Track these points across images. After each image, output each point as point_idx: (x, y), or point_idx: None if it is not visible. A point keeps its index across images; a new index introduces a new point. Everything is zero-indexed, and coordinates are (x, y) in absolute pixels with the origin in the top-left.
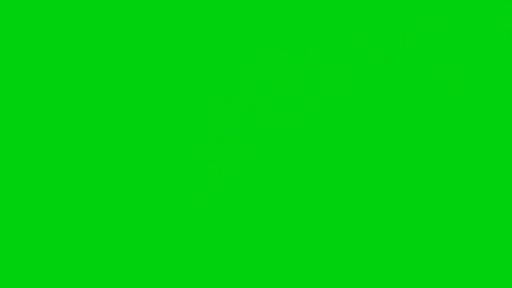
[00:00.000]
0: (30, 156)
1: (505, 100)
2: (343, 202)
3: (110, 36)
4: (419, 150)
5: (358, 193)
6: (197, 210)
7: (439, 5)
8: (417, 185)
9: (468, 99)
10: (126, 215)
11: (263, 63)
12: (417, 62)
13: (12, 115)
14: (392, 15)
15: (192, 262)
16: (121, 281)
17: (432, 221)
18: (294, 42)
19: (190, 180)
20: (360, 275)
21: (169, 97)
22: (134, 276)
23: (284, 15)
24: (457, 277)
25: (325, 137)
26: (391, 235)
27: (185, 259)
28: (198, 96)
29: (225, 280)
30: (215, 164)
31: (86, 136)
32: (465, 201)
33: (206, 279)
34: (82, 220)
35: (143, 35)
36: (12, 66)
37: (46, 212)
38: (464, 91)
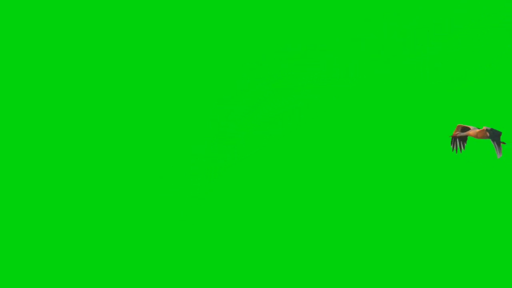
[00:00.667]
0: (30, 156)
1: (504, 99)
2: (342, 202)
3: (110, 37)
4: (418, 149)
5: (357, 193)
6: (197, 210)
7: (439, 5)
8: (416, 184)
9: (467, 99)
10: (126, 214)
11: (263, 63)
12: (417, 62)
13: (12, 115)
14: (392, 15)
15: (192, 262)
16: (121, 281)
17: (433, 220)
18: (294, 42)
19: (190, 180)
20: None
21: (169, 98)
22: (134, 275)
23: (284, 15)
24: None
25: (324, 137)
26: (388, 233)
27: (185, 259)
28: (198, 96)
29: (225, 280)
30: (215, 164)
31: (85, 136)
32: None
33: (206, 279)
34: (82, 220)
35: (143, 35)
36: (12, 66)
37: (46, 211)
38: (463, 91)
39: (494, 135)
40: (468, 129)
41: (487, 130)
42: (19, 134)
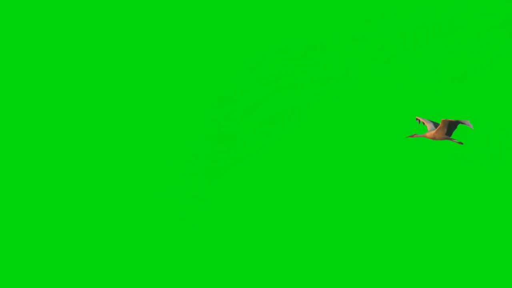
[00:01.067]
0: (30, 156)
1: (504, 100)
2: (342, 201)
3: (110, 37)
4: (418, 148)
5: (357, 192)
6: (197, 210)
7: (439, 5)
8: (416, 183)
9: (467, 98)
10: (126, 214)
11: (263, 63)
12: (417, 62)
13: (12, 115)
14: (392, 15)
15: (192, 261)
16: (121, 281)
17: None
18: (294, 42)
19: (190, 180)
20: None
21: (170, 98)
22: (134, 275)
23: (284, 15)
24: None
25: (324, 137)
26: (388, 234)
27: (185, 258)
28: (198, 96)
29: (226, 279)
30: (215, 164)
31: (85, 136)
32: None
33: (206, 279)
34: (82, 220)
35: (143, 35)
36: (12, 66)
37: (46, 211)
38: (463, 91)
39: (457, 122)
40: (425, 125)
41: (447, 120)
42: (19, 134)
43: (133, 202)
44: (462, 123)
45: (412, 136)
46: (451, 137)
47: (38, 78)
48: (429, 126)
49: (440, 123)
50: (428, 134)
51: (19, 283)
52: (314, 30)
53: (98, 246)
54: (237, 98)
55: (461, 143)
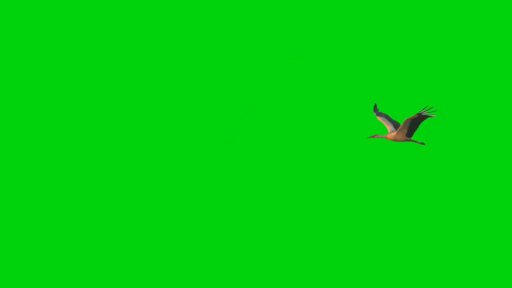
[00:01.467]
0: (30, 156)
1: (505, 100)
2: (342, 202)
3: (110, 37)
4: (418, 148)
5: (357, 194)
6: (197, 210)
7: (439, 5)
8: (417, 183)
9: (467, 99)
10: (126, 215)
11: (263, 63)
12: (417, 62)
13: (12, 115)
14: (392, 15)
15: (192, 262)
16: (121, 281)
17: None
18: (294, 42)
19: (190, 180)
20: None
21: (169, 98)
22: (134, 276)
23: (284, 15)
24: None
25: (324, 137)
26: (388, 235)
27: (185, 259)
28: (198, 96)
29: (225, 280)
30: (215, 164)
31: (85, 137)
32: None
33: (206, 279)
34: (82, 221)
35: (143, 35)
36: (11, 66)
37: (45, 212)
38: (464, 91)
39: (419, 116)
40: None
41: (408, 119)
42: (18, 134)
43: (132, 202)
44: (424, 115)
45: (373, 136)
46: (412, 138)
47: (38, 78)
48: (389, 128)
49: (402, 124)
50: (389, 136)
51: (19, 283)
52: (314, 30)
53: (98, 246)
54: (237, 98)
55: (422, 143)
